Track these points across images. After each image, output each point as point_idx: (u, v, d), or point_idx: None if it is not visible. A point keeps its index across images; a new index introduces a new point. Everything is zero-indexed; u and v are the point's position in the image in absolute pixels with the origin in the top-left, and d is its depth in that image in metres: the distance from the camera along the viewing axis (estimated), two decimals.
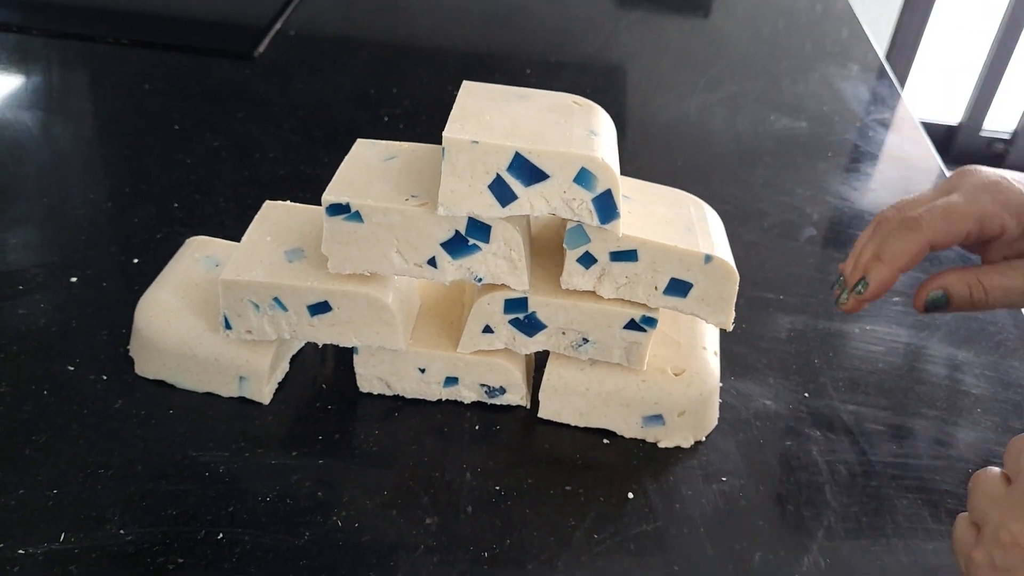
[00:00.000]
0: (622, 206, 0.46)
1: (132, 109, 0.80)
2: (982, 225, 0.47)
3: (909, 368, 0.59)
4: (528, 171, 0.44)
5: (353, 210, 0.46)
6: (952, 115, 2.15)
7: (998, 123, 2.13)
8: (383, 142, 0.51)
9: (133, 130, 0.77)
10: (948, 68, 2.27)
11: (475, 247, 0.47)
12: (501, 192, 0.45)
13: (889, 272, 0.48)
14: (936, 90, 2.24)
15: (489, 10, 1.02)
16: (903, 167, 0.81)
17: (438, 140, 0.44)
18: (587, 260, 0.47)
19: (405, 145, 0.50)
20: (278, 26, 0.94)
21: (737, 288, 0.48)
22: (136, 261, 0.62)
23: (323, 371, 0.55)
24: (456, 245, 0.47)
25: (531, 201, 0.45)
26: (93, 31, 0.90)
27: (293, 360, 0.55)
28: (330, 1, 1.01)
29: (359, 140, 0.51)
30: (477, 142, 0.44)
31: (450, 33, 0.97)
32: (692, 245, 0.47)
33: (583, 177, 0.44)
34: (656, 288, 0.48)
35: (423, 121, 0.81)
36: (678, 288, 0.48)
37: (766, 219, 0.72)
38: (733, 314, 0.49)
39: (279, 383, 0.54)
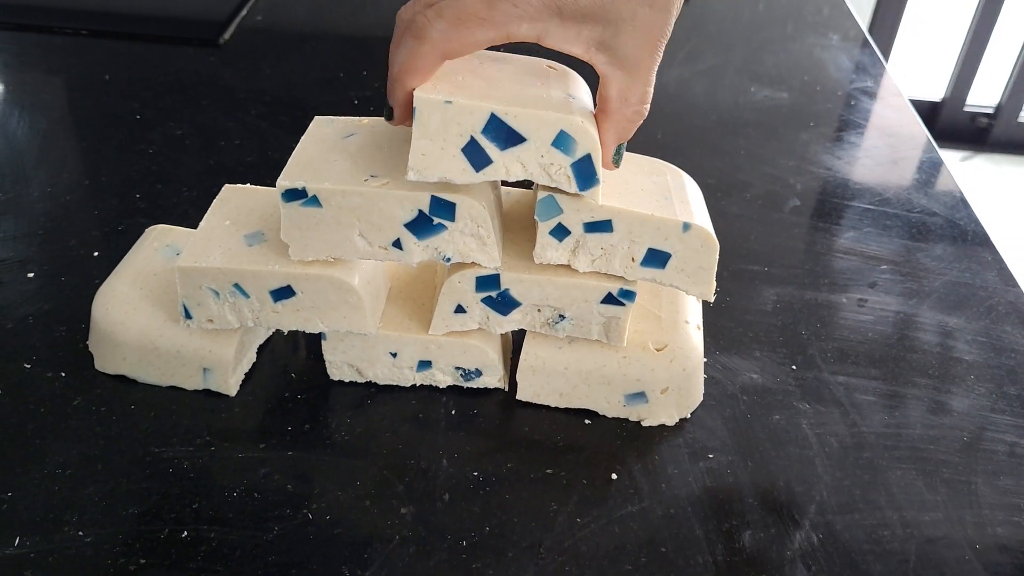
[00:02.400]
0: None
1: (92, 100, 0.77)
2: (509, 33, 0.39)
3: (899, 336, 0.57)
4: (504, 134, 0.42)
5: (310, 195, 0.44)
6: (935, 91, 2.14)
7: (981, 98, 2.12)
8: (342, 119, 0.49)
9: (93, 121, 0.74)
10: (930, 44, 2.26)
11: (440, 226, 0.45)
12: (475, 156, 0.42)
13: (403, 94, 0.41)
14: (919, 66, 2.23)
15: None
16: (887, 135, 0.79)
17: None
18: (560, 232, 0.45)
19: (365, 120, 0.48)
20: (244, 12, 0.91)
21: (717, 257, 0.46)
22: (96, 254, 0.59)
23: (293, 360, 0.53)
24: (421, 225, 0.45)
25: (507, 166, 0.43)
26: (52, 22, 0.87)
27: (262, 349, 0.53)
28: None
29: (316, 118, 0.49)
30: (451, 102, 0.41)
31: None
32: (669, 213, 0.45)
33: (562, 141, 0.42)
34: (633, 259, 0.46)
35: None
36: (656, 259, 0.46)
37: (749, 190, 0.70)
38: (714, 284, 0.47)
39: (246, 374, 0.51)
